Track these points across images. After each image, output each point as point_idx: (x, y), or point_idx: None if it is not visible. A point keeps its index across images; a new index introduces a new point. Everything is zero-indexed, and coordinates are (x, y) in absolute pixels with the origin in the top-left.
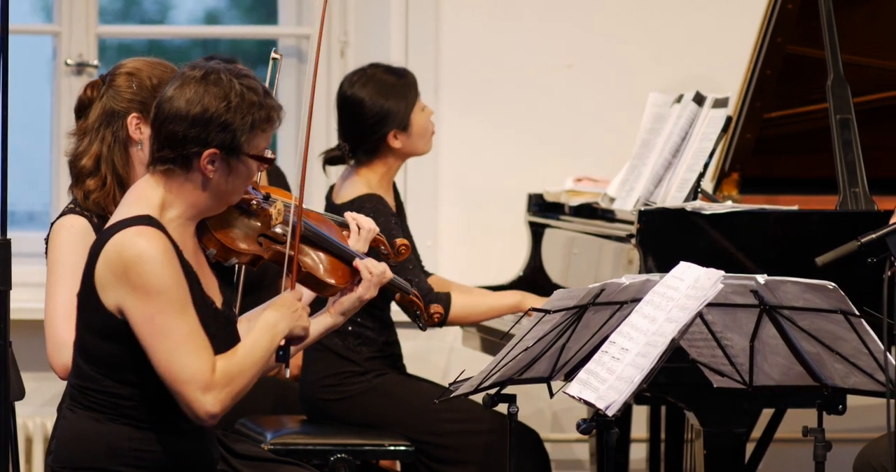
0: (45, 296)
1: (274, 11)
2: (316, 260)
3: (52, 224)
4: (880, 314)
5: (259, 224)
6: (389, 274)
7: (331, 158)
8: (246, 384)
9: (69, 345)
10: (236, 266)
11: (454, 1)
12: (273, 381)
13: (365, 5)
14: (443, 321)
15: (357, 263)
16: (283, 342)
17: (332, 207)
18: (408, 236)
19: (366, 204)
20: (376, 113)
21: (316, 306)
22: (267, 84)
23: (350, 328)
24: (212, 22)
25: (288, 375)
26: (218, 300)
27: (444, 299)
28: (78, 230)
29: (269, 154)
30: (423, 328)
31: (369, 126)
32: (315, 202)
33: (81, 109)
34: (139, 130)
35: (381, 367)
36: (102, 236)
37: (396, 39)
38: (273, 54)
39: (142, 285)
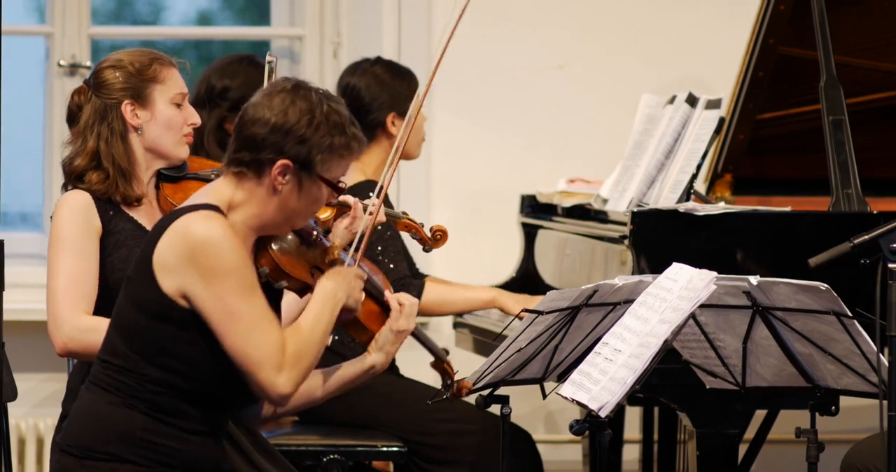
0: (46, 272)
1: (266, 12)
2: (366, 307)
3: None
4: (872, 315)
5: (315, 256)
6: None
7: None
8: (313, 360)
9: (69, 321)
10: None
11: (447, 2)
12: None
13: (358, 6)
14: (466, 389)
15: (388, 296)
16: None
17: None
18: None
19: (361, 192)
20: (377, 95)
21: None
22: (264, 86)
23: None
24: (204, 23)
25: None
26: None
27: (418, 286)
28: (79, 204)
29: (342, 184)
30: (445, 396)
31: (366, 104)
32: None
33: (72, 116)
34: (136, 115)
35: None
36: (166, 218)
37: (389, 40)
38: (268, 57)
39: (211, 268)
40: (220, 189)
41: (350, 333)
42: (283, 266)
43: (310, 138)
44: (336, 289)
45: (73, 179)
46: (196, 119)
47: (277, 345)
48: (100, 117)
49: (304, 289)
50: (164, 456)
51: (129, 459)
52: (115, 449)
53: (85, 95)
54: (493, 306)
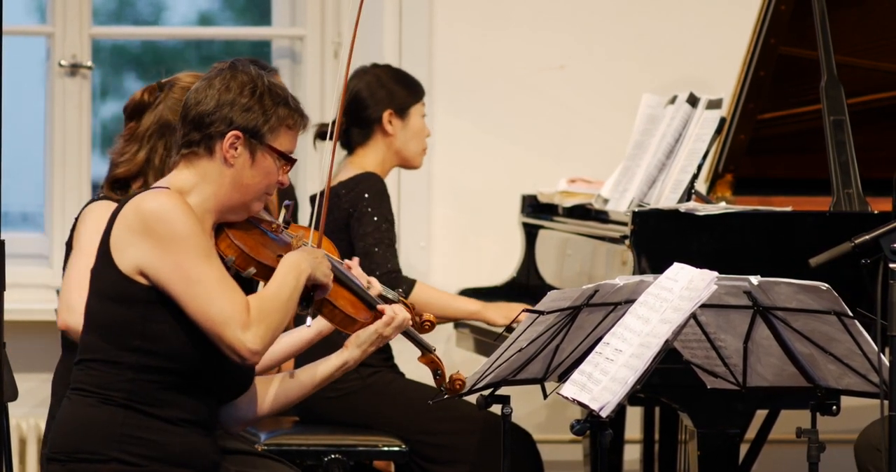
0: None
1: (267, 12)
2: (337, 292)
3: (82, 209)
4: (873, 315)
5: (279, 246)
6: (409, 322)
7: (323, 133)
8: (279, 322)
9: (76, 310)
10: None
11: (447, 2)
12: None
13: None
14: (463, 386)
15: (383, 306)
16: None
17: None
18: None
19: (361, 182)
20: (374, 92)
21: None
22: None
23: None
24: (205, 23)
25: (309, 322)
26: None
27: (409, 283)
28: (107, 214)
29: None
30: (444, 393)
31: (364, 100)
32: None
33: (134, 111)
34: None
35: (375, 361)
36: (119, 205)
37: (390, 41)
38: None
39: (165, 235)
40: (174, 176)
41: (336, 321)
42: (248, 251)
43: (255, 107)
44: (300, 260)
45: (111, 182)
46: None
47: (241, 305)
48: (160, 131)
49: (270, 275)
50: (149, 451)
51: (114, 457)
52: (98, 449)
53: (153, 96)
54: (477, 319)
